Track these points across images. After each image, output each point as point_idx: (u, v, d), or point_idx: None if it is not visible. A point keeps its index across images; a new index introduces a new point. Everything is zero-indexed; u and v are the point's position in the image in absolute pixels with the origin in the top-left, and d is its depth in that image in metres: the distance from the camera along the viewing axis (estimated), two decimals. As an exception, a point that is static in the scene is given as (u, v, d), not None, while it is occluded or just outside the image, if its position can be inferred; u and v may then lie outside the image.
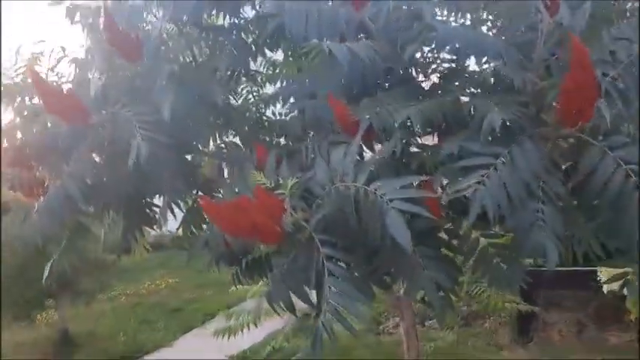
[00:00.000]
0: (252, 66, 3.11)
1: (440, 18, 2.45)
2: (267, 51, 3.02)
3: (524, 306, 5.46)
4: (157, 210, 2.92)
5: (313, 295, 1.92)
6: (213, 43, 2.92)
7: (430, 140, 2.30)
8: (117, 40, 2.45)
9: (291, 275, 1.93)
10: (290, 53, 3.02)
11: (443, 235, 2.13)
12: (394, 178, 1.83)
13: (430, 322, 6.72)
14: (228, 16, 2.88)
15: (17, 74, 2.98)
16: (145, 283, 10.61)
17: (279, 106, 3.20)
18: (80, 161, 2.44)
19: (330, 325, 1.65)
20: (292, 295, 1.94)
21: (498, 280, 2.17)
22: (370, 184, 1.76)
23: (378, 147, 2.25)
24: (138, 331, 8.15)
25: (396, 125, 1.96)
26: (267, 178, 2.06)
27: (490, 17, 2.59)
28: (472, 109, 1.98)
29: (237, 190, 2.24)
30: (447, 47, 2.11)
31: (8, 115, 2.89)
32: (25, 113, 2.87)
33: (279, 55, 3.31)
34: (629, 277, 2.55)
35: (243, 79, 3.20)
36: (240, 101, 3.40)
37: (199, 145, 2.96)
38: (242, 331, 5.15)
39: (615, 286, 2.75)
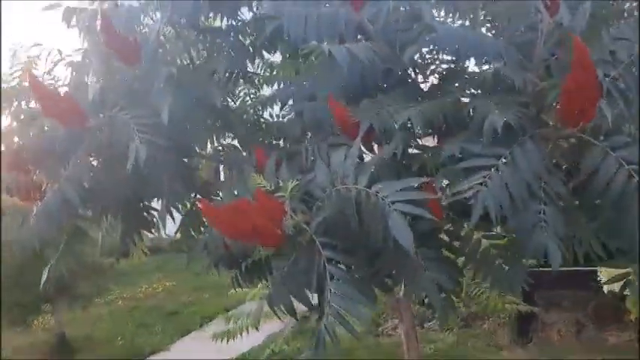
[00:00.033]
0: (250, 68, 3.10)
1: (437, 19, 2.45)
2: (264, 53, 3.01)
3: (523, 307, 5.46)
4: (155, 213, 2.91)
5: (313, 298, 1.92)
6: (210, 45, 2.91)
7: (431, 141, 2.30)
8: (114, 43, 2.43)
9: (291, 278, 1.92)
10: (288, 55, 3.01)
11: (444, 237, 2.13)
12: (395, 179, 1.82)
13: (429, 323, 6.71)
14: (225, 18, 2.88)
15: (13, 78, 2.96)
16: (142, 286, 10.55)
17: (276, 107, 3.19)
18: (78, 165, 2.42)
19: (333, 328, 1.64)
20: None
21: (500, 281, 2.16)
22: (372, 186, 1.75)
23: (377, 148, 2.25)
24: (135, 334, 8.10)
25: (397, 127, 1.95)
26: (266, 180, 2.05)
27: (488, 18, 2.59)
28: (472, 110, 1.97)
29: (236, 193, 2.23)
30: (447, 48, 2.11)
31: (5, 119, 2.88)
32: (22, 117, 2.85)
33: (276, 57, 3.30)
34: (630, 277, 2.54)
35: (241, 81, 3.19)
36: (237, 103, 3.39)
37: (197, 148, 2.95)
38: (241, 334, 5.12)
39: (616, 286, 2.75)
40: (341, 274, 1.76)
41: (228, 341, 5.23)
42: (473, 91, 2.21)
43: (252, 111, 3.33)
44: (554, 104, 1.88)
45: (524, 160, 1.75)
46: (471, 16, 2.55)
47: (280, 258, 1.98)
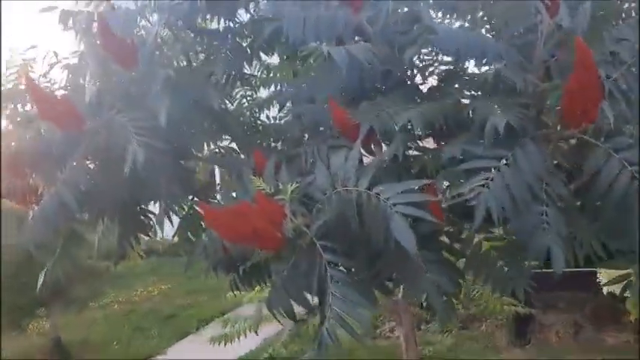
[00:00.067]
0: (247, 70, 3.09)
1: (436, 20, 2.44)
2: (262, 55, 3.00)
3: (521, 308, 5.46)
4: (152, 216, 2.89)
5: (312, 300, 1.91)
6: (208, 47, 2.90)
7: (431, 143, 2.29)
8: (111, 45, 2.41)
9: (291, 281, 1.91)
10: (286, 57, 3.00)
11: (444, 239, 2.11)
12: (396, 181, 1.81)
13: (428, 325, 6.71)
14: (223, 20, 2.87)
15: (9, 81, 2.94)
16: (137, 289, 10.52)
17: (273, 110, 3.18)
18: (75, 168, 2.39)
19: (334, 331, 1.63)
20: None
21: (502, 284, 2.15)
22: (372, 189, 1.74)
23: (376, 150, 2.24)
24: (132, 338, 8.07)
25: (397, 128, 1.94)
26: (266, 183, 2.03)
27: (486, 19, 2.58)
28: (473, 112, 1.96)
29: (235, 196, 2.22)
30: (447, 49, 2.10)
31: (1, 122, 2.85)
32: (18, 120, 2.82)
33: (273, 59, 3.29)
34: (631, 278, 2.54)
35: (238, 83, 3.18)
36: (234, 105, 3.38)
37: (194, 150, 2.93)
38: (239, 338, 5.10)
39: (615, 288, 2.74)
40: (341, 276, 1.75)
41: (225, 344, 5.22)
42: (473, 92, 2.21)
43: (248, 113, 3.32)
44: (555, 106, 1.87)
45: (525, 162, 1.74)
46: (469, 17, 2.55)
47: (280, 261, 1.97)
